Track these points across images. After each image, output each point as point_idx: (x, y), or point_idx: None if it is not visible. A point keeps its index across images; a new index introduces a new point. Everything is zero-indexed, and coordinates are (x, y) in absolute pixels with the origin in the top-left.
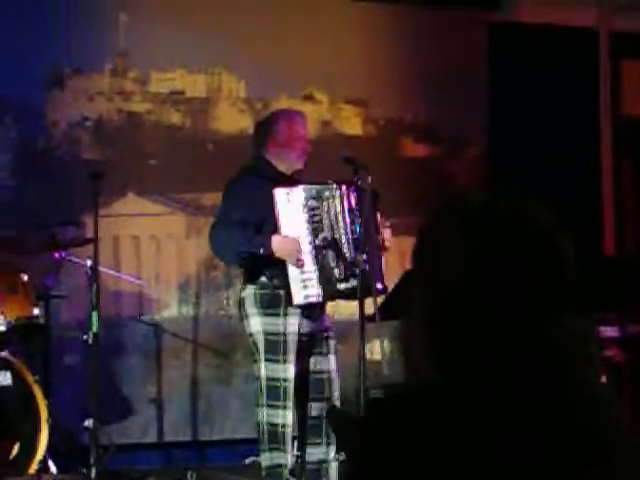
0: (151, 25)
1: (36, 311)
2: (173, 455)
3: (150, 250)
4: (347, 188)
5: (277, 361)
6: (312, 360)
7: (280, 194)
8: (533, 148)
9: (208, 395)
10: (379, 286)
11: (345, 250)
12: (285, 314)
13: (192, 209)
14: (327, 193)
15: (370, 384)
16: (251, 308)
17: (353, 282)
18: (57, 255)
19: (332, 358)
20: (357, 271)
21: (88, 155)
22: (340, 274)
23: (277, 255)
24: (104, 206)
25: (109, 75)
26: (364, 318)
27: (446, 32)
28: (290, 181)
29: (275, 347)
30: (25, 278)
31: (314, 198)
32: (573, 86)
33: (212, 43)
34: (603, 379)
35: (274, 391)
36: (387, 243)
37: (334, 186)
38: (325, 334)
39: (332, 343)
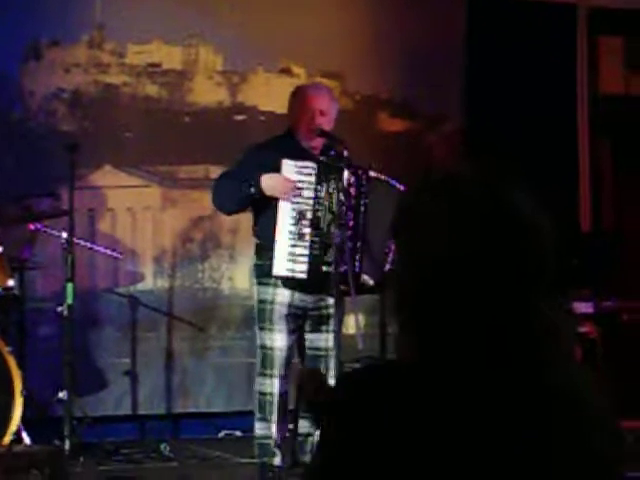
0: None
1: (11, 282)
2: (147, 427)
3: (126, 222)
4: (353, 173)
5: (264, 329)
6: (309, 337)
7: (287, 165)
8: (510, 123)
9: (183, 368)
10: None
11: (323, 227)
12: (275, 285)
13: (168, 182)
14: (333, 172)
15: (344, 358)
16: (253, 278)
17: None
18: (32, 227)
19: (330, 336)
20: (331, 247)
21: (64, 127)
22: (325, 253)
23: (268, 193)
24: (80, 178)
25: (86, 47)
26: (339, 292)
27: (425, 6)
28: (305, 156)
29: (263, 315)
30: (0, 249)
31: (318, 175)
32: (550, 62)
33: (189, 16)
34: (578, 355)
35: (264, 359)
36: None
37: (343, 167)
38: (324, 311)
39: (333, 321)
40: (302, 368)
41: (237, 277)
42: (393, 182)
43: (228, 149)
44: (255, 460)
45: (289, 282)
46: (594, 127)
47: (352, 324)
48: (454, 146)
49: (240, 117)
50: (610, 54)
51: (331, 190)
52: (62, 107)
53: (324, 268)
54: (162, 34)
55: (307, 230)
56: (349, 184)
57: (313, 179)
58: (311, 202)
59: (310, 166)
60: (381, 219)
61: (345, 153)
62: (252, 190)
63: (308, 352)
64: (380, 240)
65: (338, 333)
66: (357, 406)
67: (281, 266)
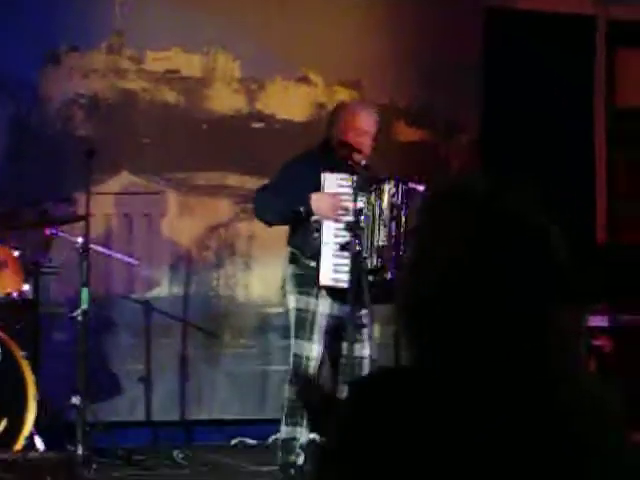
0: (147, 3)
1: (26, 287)
2: (160, 434)
3: (142, 229)
4: (396, 185)
5: (302, 338)
6: (344, 345)
7: (328, 178)
8: (526, 135)
9: (197, 375)
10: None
11: (367, 237)
12: (317, 295)
13: (185, 188)
14: (374, 186)
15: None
16: (289, 286)
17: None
18: (48, 231)
19: (365, 345)
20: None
21: (82, 132)
22: (371, 264)
23: (316, 213)
24: (97, 183)
25: (105, 53)
26: (355, 303)
27: (442, 17)
28: (345, 169)
29: (303, 325)
30: (16, 254)
31: (360, 188)
32: (568, 74)
33: (208, 23)
34: (591, 368)
35: (298, 368)
36: None
37: (385, 180)
38: (359, 321)
39: (366, 331)
40: (310, 385)
41: (252, 285)
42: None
43: (245, 156)
44: (270, 467)
45: (333, 292)
46: (611, 140)
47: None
48: (470, 157)
49: (258, 125)
50: (628, 66)
51: (372, 201)
52: (80, 113)
53: (372, 277)
54: (181, 41)
55: (353, 240)
56: (391, 195)
57: (353, 190)
58: (352, 213)
59: (350, 178)
60: None
61: (363, 162)
62: (301, 209)
63: (344, 361)
64: None
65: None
66: (363, 411)
67: (327, 276)
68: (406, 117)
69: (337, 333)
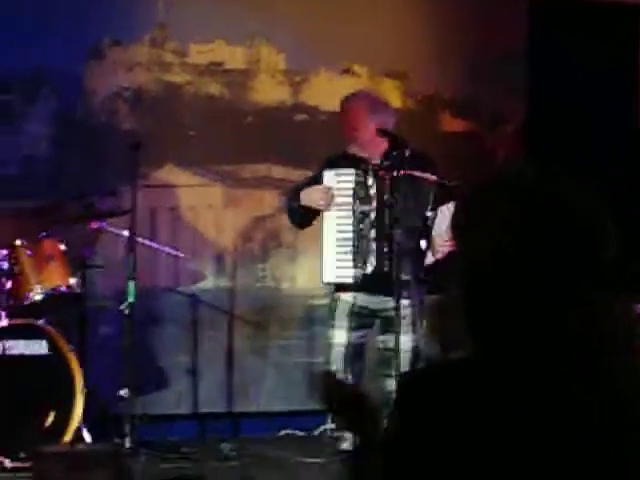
0: None
1: (73, 281)
2: (207, 426)
3: (188, 221)
4: (392, 171)
5: (329, 326)
6: (379, 338)
7: (327, 175)
8: (572, 125)
9: (243, 367)
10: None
11: (382, 229)
12: (337, 287)
13: (230, 181)
14: (373, 176)
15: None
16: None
17: (386, 267)
18: (95, 225)
19: (401, 337)
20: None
21: (127, 126)
22: (378, 255)
23: (305, 204)
24: (142, 177)
25: (148, 46)
26: (399, 296)
27: (487, 7)
28: (357, 165)
29: (330, 313)
30: (62, 248)
31: (358, 181)
32: (612, 63)
33: (251, 15)
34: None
35: (329, 355)
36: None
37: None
38: (393, 312)
39: (403, 322)
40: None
41: (298, 276)
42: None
43: (289, 148)
44: (318, 459)
45: (345, 286)
46: None
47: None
48: (515, 147)
49: (302, 117)
50: None
51: (372, 193)
52: (124, 106)
53: (385, 267)
54: (224, 34)
55: (369, 232)
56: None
57: (352, 185)
58: (353, 208)
59: (349, 172)
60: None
61: (407, 153)
62: (294, 204)
63: (378, 353)
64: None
65: (399, 334)
66: (413, 403)
67: (330, 274)
68: (451, 108)
69: (368, 323)
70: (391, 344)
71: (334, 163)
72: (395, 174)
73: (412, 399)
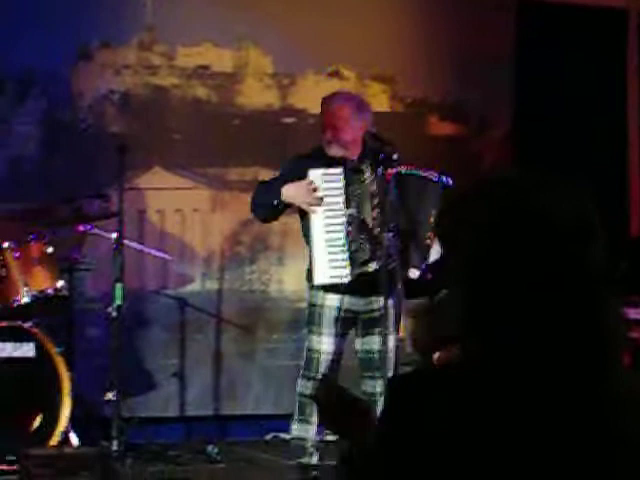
0: None
1: (60, 283)
2: (195, 429)
3: (175, 224)
4: (382, 171)
5: (312, 332)
6: (362, 340)
7: (313, 174)
8: (559, 129)
9: (231, 370)
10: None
11: (371, 229)
12: (325, 289)
13: (217, 184)
14: (359, 175)
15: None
16: (306, 282)
17: (380, 263)
18: (82, 228)
19: (386, 338)
20: (380, 252)
21: (114, 128)
22: (368, 254)
23: (289, 201)
24: (129, 179)
25: (136, 49)
26: (387, 297)
27: (474, 11)
28: (333, 163)
29: (312, 318)
30: (50, 250)
31: (346, 179)
32: (600, 67)
33: (239, 18)
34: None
35: (309, 362)
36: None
37: (368, 168)
38: (377, 314)
39: (386, 323)
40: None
41: (285, 280)
42: (424, 174)
43: (277, 151)
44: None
45: (334, 288)
46: None
47: (401, 327)
48: (503, 151)
49: (289, 120)
50: None
51: (358, 192)
52: (112, 108)
53: (370, 268)
54: (212, 36)
55: (356, 233)
56: (371, 181)
57: (341, 185)
58: (341, 208)
59: (336, 172)
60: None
61: (395, 156)
62: (275, 201)
63: (360, 355)
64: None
65: (387, 335)
66: (405, 410)
67: (323, 275)
68: (439, 112)
69: (349, 327)
70: (375, 346)
71: (306, 162)
72: (386, 174)
73: (406, 404)
